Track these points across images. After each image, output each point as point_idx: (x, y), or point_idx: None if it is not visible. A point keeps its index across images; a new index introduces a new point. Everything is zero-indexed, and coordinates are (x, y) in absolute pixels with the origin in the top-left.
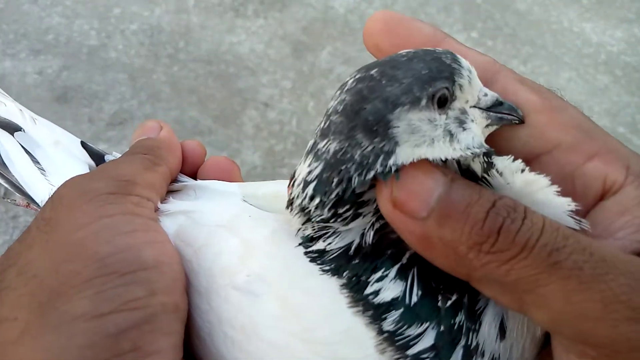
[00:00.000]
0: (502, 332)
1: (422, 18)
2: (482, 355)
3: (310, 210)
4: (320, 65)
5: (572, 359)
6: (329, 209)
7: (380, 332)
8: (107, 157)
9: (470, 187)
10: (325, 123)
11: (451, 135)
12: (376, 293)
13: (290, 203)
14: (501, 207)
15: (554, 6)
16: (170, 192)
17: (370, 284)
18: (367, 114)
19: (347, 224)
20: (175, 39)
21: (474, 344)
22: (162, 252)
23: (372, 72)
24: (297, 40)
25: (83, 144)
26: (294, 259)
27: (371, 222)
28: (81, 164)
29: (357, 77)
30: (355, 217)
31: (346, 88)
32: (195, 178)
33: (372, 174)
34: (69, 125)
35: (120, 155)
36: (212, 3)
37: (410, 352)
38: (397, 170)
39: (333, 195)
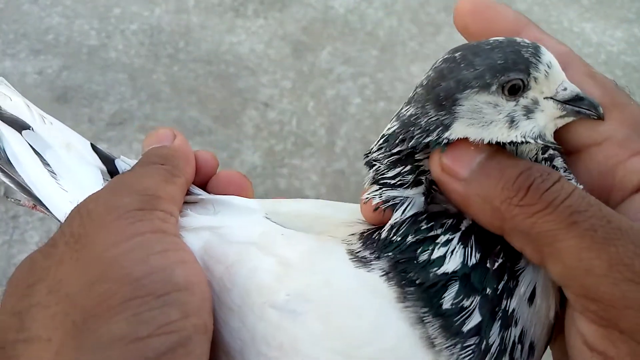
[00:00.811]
0: (531, 298)
1: (422, 18)
2: (516, 324)
3: (376, 168)
4: (320, 65)
5: (576, 316)
6: (391, 166)
7: (437, 314)
8: (117, 162)
9: (510, 157)
10: (413, 92)
11: (512, 121)
12: (441, 261)
13: (365, 157)
14: (535, 169)
15: (554, 6)
16: (185, 203)
17: (438, 247)
18: (440, 90)
19: (409, 187)
20: (175, 39)
21: (510, 309)
22: (192, 272)
23: (457, 54)
24: (297, 40)
25: (93, 147)
26: (336, 276)
27: (428, 189)
28: (93, 169)
29: (445, 57)
30: (416, 183)
31: (435, 65)
32: (205, 189)
33: (428, 140)
34: (69, 125)
35: (131, 160)
36: (212, 3)
37: (465, 328)
38: (446, 144)
39: (395, 150)
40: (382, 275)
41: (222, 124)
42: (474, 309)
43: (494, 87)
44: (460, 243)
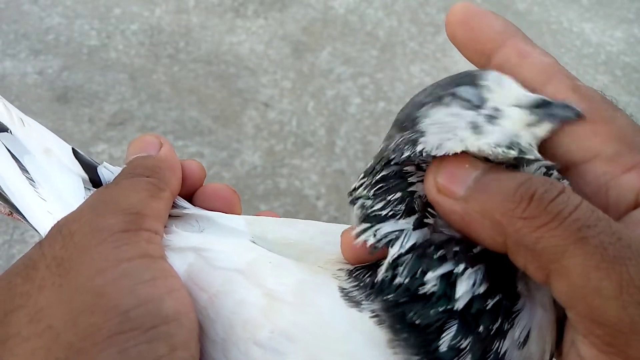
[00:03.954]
0: (524, 342)
1: (421, 18)
2: None
3: (362, 204)
4: (320, 65)
5: (578, 339)
6: (379, 197)
7: (431, 359)
8: (100, 169)
9: (508, 171)
10: None
11: (476, 127)
12: (451, 297)
13: (349, 195)
14: (536, 180)
15: (553, 6)
16: (169, 216)
17: (459, 282)
18: (401, 116)
19: (402, 218)
20: (175, 39)
21: (502, 351)
22: (181, 302)
23: (419, 90)
24: (297, 40)
25: (74, 152)
26: (327, 316)
27: (423, 213)
28: (74, 177)
29: None
30: (409, 212)
31: None
32: (190, 200)
33: (406, 155)
34: (69, 126)
35: (114, 167)
36: (212, 3)
37: None
38: (434, 157)
39: (379, 177)
40: (373, 317)
41: (222, 124)
42: (468, 352)
43: (447, 99)
44: (471, 273)
